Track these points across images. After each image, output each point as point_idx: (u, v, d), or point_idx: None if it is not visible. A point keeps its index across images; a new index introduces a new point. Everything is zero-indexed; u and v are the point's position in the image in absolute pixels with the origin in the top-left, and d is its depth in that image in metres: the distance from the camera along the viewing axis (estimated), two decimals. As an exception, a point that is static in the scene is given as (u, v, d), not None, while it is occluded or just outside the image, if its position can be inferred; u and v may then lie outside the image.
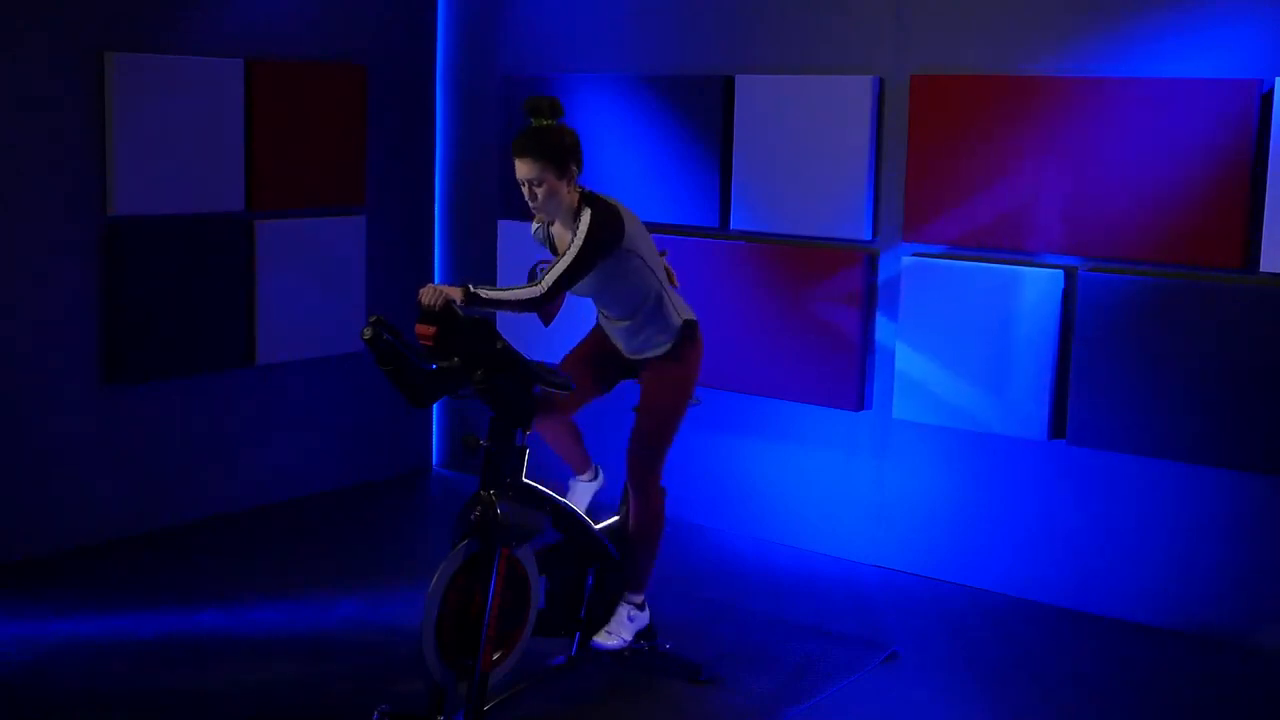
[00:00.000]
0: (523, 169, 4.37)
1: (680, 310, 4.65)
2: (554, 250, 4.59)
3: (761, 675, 4.89)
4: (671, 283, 4.75)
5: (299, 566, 5.91)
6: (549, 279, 4.31)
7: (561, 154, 4.37)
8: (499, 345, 4.23)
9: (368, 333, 4.16)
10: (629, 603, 4.76)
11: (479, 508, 4.27)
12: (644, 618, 4.80)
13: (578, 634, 4.80)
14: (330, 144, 6.75)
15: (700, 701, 4.69)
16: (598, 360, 4.76)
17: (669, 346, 4.62)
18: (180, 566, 5.90)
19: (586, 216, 4.35)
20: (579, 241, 4.32)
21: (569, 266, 4.31)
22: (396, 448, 7.32)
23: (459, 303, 4.19)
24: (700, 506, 6.52)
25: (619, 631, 4.72)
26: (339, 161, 6.81)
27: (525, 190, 4.41)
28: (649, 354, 4.65)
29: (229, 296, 6.39)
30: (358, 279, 6.94)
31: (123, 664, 4.87)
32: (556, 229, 4.57)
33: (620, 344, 4.70)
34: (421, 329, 4.20)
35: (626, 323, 4.61)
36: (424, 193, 7.31)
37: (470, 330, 4.21)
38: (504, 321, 6.60)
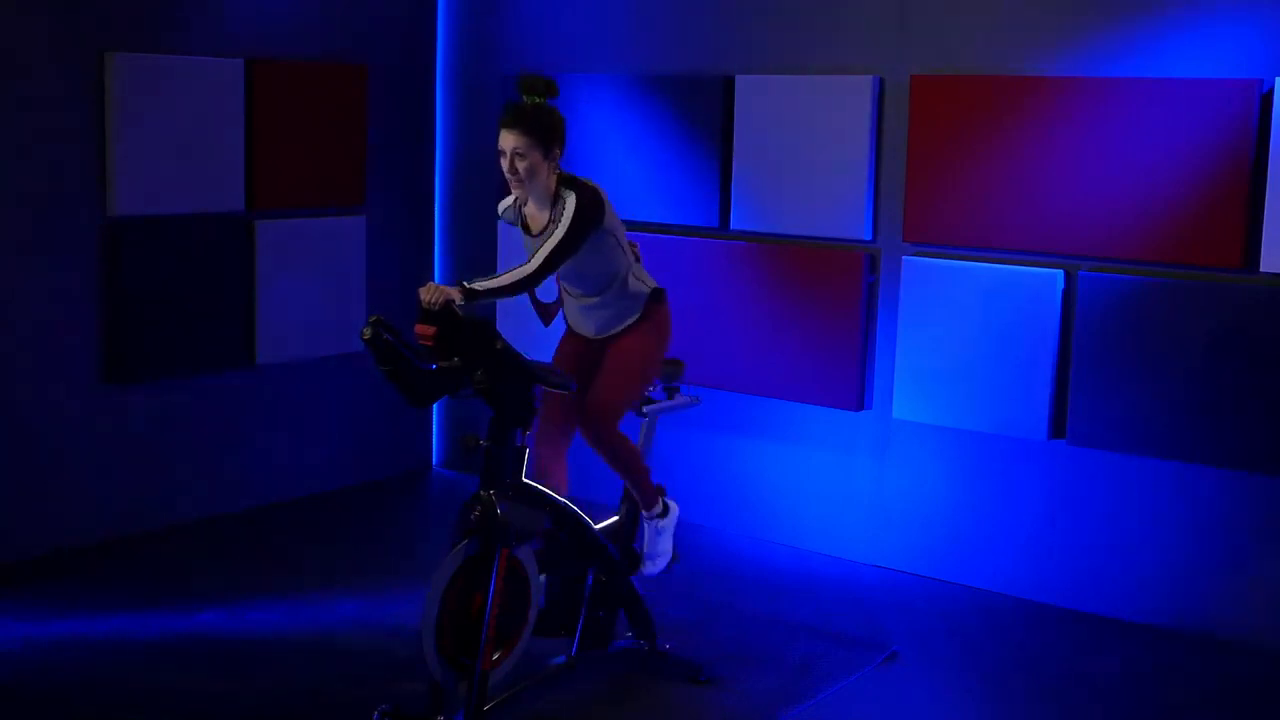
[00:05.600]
0: (508, 139, 4.42)
1: (646, 282, 4.73)
2: (526, 230, 4.62)
3: (761, 675, 4.88)
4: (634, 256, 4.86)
5: (299, 566, 5.91)
6: (538, 258, 4.36)
7: (548, 133, 4.43)
8: (499, 345, 4.24)
9: (368, 333, 4.16)
10: (649, 519, 4.79)
11: (479, 508, 4.27)
12: (672, 516, 4.84)
13: (578, 634, 4.80)
14: (330, 144, 6.75)
15: (700, 701, 4.69)
16: (575, 363, 4.78)
17: (636, 317, 4.68)
18: (180, 566, 5.90)
19: (572, 199, 4.42)
20: (566, 222, 4.38)
21: (557, 246, 4.37)
22: (396, 448, 7.32)
23: (458, 302, 4.19)
24: (700, 506, 6.51)
25: (656, 548, 4.80)
26: (339, 161, 6.81)
27: (506, 162, 4.44)
28: (616, 329, 4.71)
29: (229, 296, 6.39)
30: (358, 279, 6.94)
31: (123, 664, 4.87)
32: (530, 209, 4.60)
33: (589, 328, 4.74)
34: (421, 329, 4.20)
35: (594, 299, 4.66)
36: (424, 193, 7.31)
37: (470, 330, 4.22)
38: (504, 322, 6.60)
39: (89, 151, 5.90)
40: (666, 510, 4.84)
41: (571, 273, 4.61)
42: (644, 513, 4.81)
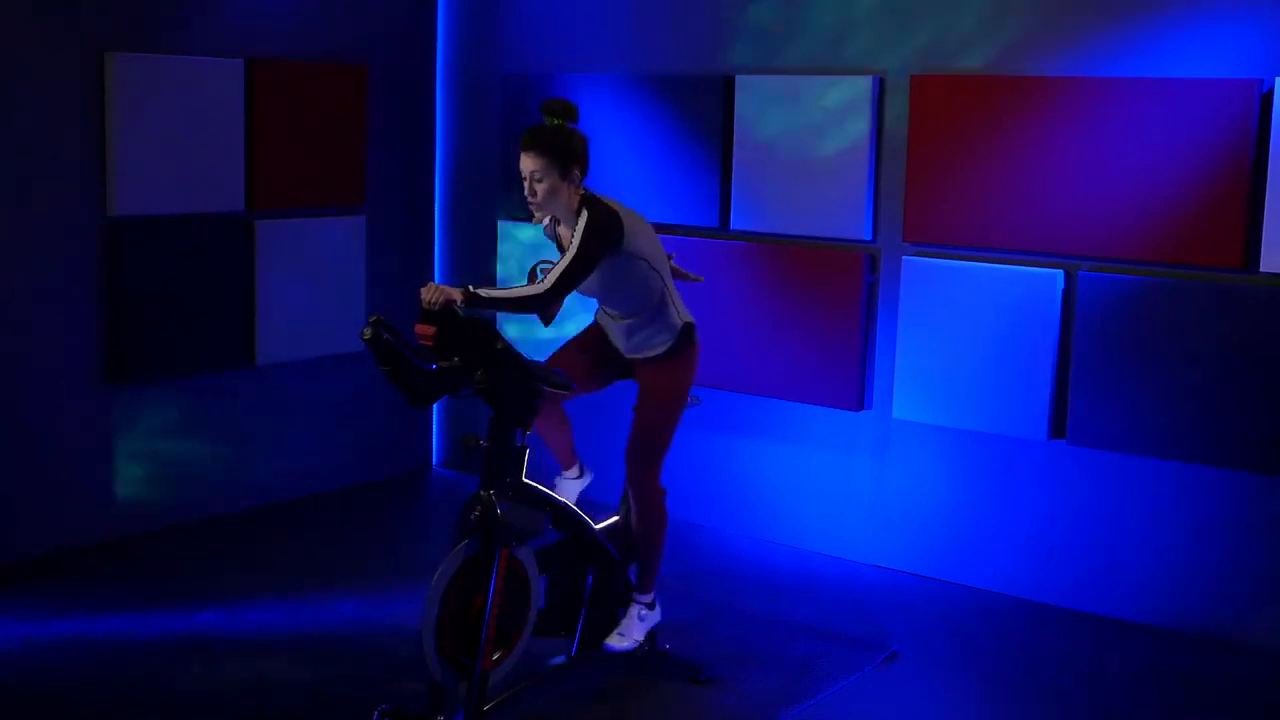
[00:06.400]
0: (526, 163, 4.42)
1: (681, 313, 4.68)
2: (560, 248, 4.61)
3: (761, 675, 4.89)
4: (679, 277, 4.85)
5: (299, 566, 5.91)
6: (550, 279, 4.34)
7: (566, 154, 4.40)
8: (499, 345, 4.24)
9: (368, 333, 4.16)
10: (639, 603, 4.78)
11: (479, 508, 4.27)
12: (655, 616, 4.82)
13: (578, 634, 4.80)
14: (330, 144, 6.75)
15: (700, 701, 4.69)
16: (594, 353, 4.78)
17: (667, 347, 4.64)
18: (180, 566, 5.90)
19: (584, 219, 4.39)
20: (576, 243, 4.36)
21: (568, 268, 4.34)
22: (396, 448, 7.32)
23: (459, 303, 4.19)
24: (700, 506, 6.51)
25: (631, 633, 4.75)
26: (339, 161, 6.81)
27: (526, 185, 4.44)
28: (647, 353, 4.66)
29: (229, 296, 6.39)
30: (358, 279, 6.94)
31: (123, 664, 4.87)
32: (561, 229, 4.61)
33: (619, 342, 4.72)
34: (421, 329, 4.20)
35: (628, 321, 4.64)
36: (424, 193, 7.31)
37: (470, 330, 4.22)
38: (504, 322, 6.60)
39: (89, 151, 5.89)
40: (654, 605, 4.82)
41: (605, 296, 4.61)
42: (637, 594, 4.78)
